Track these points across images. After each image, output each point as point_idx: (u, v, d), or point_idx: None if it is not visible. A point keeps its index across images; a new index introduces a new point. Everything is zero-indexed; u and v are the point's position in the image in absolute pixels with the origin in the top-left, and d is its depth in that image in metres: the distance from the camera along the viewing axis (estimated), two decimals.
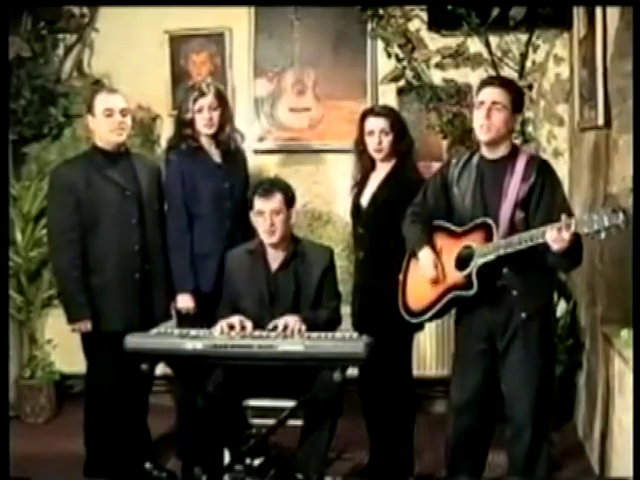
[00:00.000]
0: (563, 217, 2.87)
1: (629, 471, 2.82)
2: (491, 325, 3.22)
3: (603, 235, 2.78)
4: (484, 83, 3.27)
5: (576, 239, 2.90)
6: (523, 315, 3.16)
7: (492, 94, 3.18)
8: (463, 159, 3.31)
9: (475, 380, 3.28)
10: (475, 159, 3.27)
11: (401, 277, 3.43)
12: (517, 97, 3.22)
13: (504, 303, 3.17)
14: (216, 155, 3.92)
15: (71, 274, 3.66)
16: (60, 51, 5.01)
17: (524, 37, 4.59)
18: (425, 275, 3.27)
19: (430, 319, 3.35)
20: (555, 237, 2.87)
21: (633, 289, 3.36)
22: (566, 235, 2.85)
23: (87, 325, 3.66)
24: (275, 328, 3.30)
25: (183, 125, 3.88)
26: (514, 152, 3.24)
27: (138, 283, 3.73)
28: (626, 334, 3.34)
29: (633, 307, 3.28)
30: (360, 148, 3.75)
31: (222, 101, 3.91)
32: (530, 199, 3.13)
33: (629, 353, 3.20)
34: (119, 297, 3.69)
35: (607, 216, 2.75)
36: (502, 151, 3.22)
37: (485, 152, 3.25)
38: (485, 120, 3.16)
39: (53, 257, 3.83)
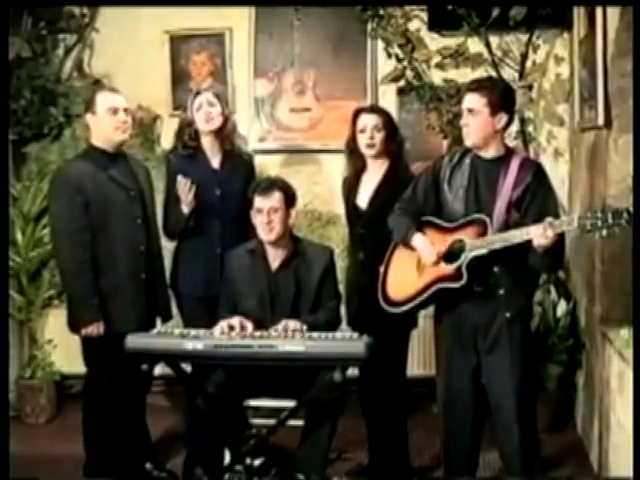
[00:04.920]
0: (548, 218, 2.96)
1: (628, 470, 2.82)
2: (475, 324, 3.22)
3: (605, 233, 2.86)
4: (464, 90, 3.30)
5: (559, 242, 3.00)
6: (507, 315, 3.18)
7: (467, 101, 3.21)
8: (456, 157, 3.30)
9: (461, 378, 3.28)
10: (468, 158, 3.26)
11: (382, 269, 3.42)
12: (496, 98, 3.16)
13: (490, 302, 3.19)
14: (215, 160, 3.90)
15: (82, 276, 3.59)
16: (60, 51, 5.02)
17: (524, 37, 4.59)
18: (426, 259, 3.24)
19: (413, 310, 3.33)
20: (540, 233, 2.95)
21: (633, 289, 3.36)
22: (550, 233, 2.93)
23: (100, 328, 3.60)
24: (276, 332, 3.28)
25: (184, 125, 3.90)
26: (508, 153, 3.25)
27: (144, 283, 3.73)
28: (626, 334, 3.34)
29: (633, 307, 3.28)
30: (351, 146, 3.76)
31: (220, 100, 3.92)
32: (523, 200, 3.15)
33: (629, 353, 3.21)
34: (128, 298, 3.67)
35: (611, 214, 2.83)
36: (494, 152, 3.23)
37: (478, 151, 3.26)
38: (465, 127, 3.22)
39: (62, 259, 3.68)
